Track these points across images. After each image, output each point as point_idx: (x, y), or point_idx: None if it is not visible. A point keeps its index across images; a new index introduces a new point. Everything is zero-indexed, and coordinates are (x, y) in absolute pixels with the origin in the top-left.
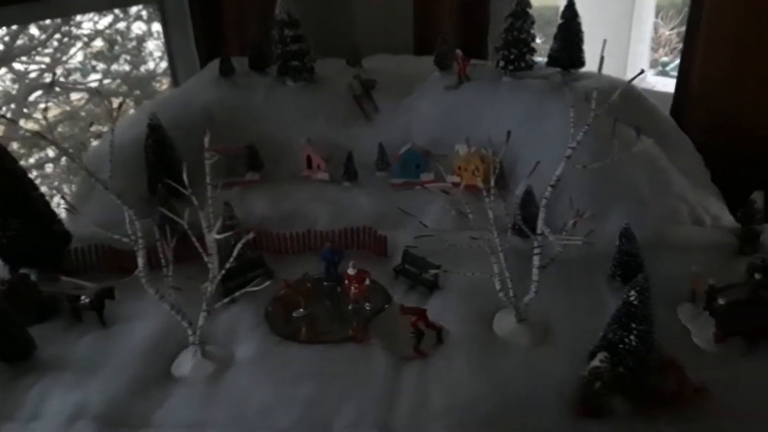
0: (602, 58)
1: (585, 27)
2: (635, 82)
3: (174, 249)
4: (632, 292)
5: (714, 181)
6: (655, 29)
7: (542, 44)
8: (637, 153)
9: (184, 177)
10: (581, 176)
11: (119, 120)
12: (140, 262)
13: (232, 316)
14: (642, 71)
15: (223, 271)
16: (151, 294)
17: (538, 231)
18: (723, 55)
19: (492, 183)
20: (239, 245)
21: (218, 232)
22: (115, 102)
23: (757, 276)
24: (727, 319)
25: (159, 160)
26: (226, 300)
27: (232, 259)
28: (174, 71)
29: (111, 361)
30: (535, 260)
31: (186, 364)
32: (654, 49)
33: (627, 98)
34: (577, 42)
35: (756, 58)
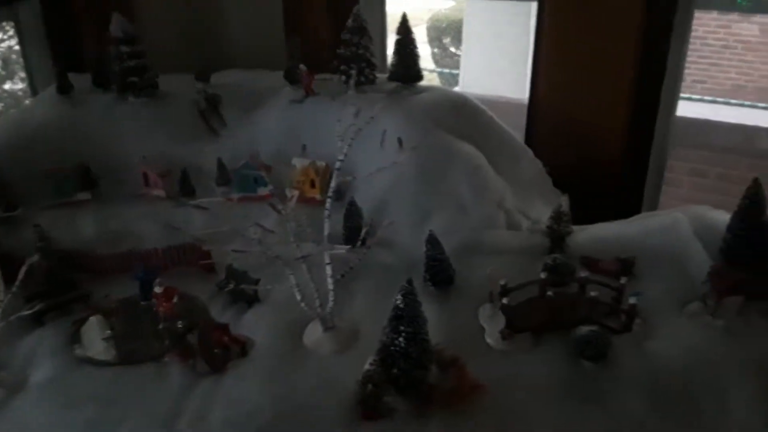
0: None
1: (484, 44)
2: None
3: None
4: (398, 296)
5: (564, 186)
6: None
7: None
8: (462, 163)
9: None
10: (408, 186)
11: None
12: None
13: (35, 340)
14: None
15: (9, 295)
16: None
17: (325, 242)
18: (566, 60)
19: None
20: (23, 269)
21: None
22: None
23: (542, 275)
24: (513, 316)
25: None
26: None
27: (18, 283)
28: (34, 90)
29: None
30: (328, 269)
31: None
32: None
33: (461, 112)
34: (412, 57)
35: (596, 63)
